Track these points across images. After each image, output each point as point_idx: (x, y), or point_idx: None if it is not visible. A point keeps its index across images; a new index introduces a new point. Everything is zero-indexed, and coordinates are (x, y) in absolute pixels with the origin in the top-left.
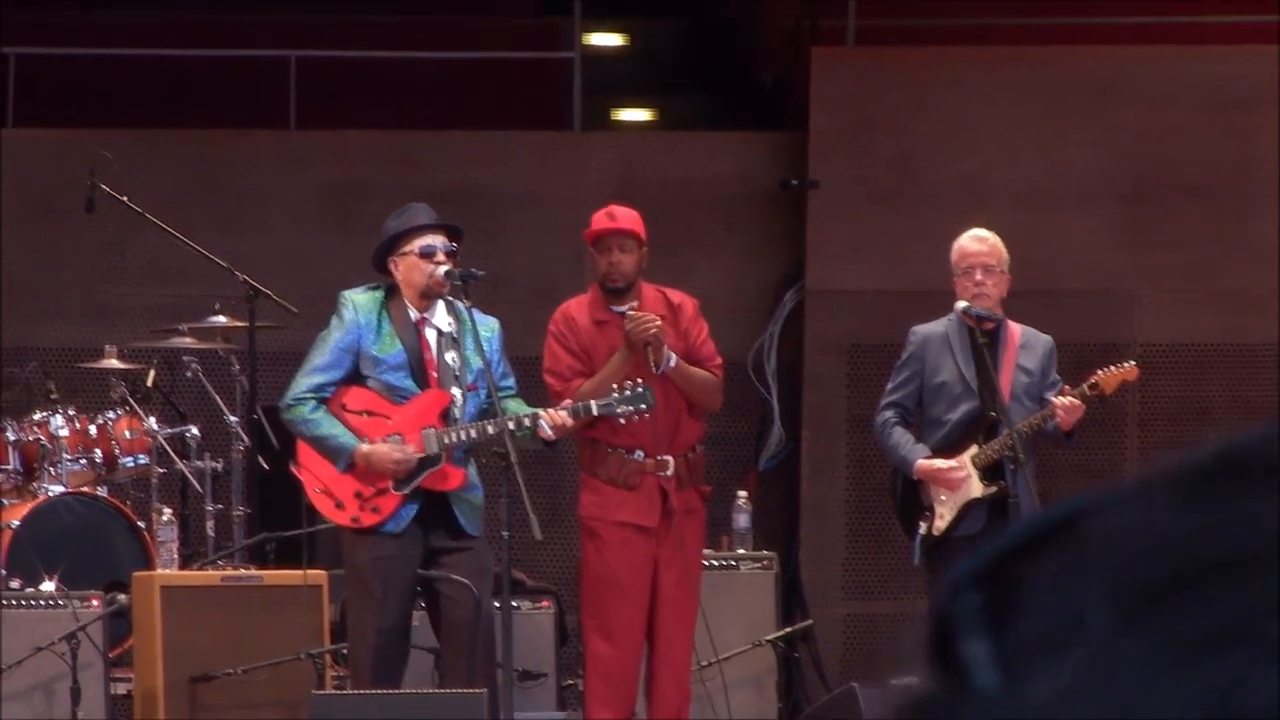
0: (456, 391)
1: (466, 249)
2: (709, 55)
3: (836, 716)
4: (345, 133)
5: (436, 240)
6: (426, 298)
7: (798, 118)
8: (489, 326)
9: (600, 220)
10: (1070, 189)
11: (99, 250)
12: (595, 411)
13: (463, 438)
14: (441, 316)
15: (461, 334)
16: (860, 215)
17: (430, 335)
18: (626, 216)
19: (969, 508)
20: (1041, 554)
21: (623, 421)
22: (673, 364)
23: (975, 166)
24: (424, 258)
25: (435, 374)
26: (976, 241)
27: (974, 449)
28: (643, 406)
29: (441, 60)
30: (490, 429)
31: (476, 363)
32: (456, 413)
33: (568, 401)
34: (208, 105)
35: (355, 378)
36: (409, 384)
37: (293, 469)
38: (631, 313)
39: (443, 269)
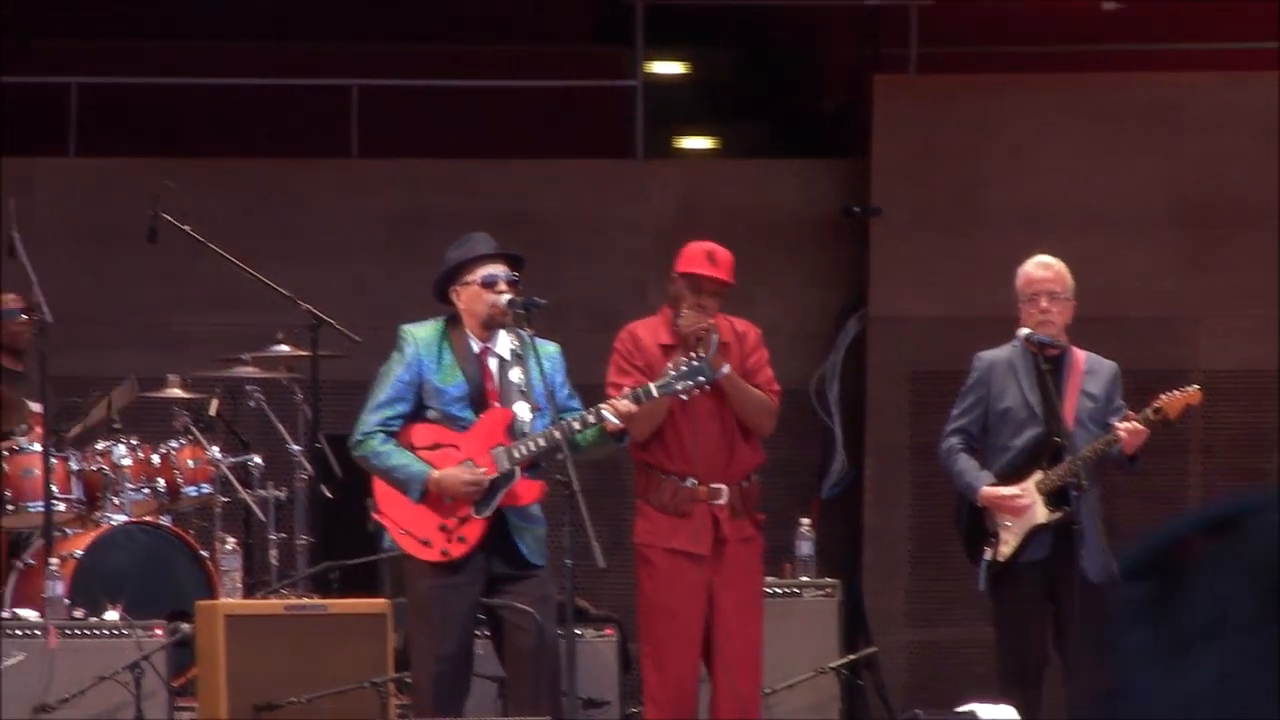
0: (524, 407)
1: (528, 277)
2: (771, 83)
3: None
4: (407, 161)
5: (498, 270)
6: (488, 327)
7: (860, 145)
8: (550, 352)
9: (702, 263)
10: (1131, 215)
11: (162, 279)
12: (655, 393)
13: (532, 448)
14: (504, 344)
15: (525, 357)
16: (922, 242)
17: (492, 364)
18: (727, 266)
19: (1034, 534)
20: (1206, 546)
21: (684, 398)
22: (725, 371)
23: (1036, 193)
24: (486, 287)
25: (496, 402)
26: (1042, 268)
27: (1038, 475)
28: (700, 379)
29: (503, 88)
30: (557, 434)
31: (541, 385)
32: (524, 429)
33: (627, 389)
34: (270, 134)
35: (417, 412)
36: (469, 415)
37: (374, 516)
38: (687, 309)
39: (505, 298)
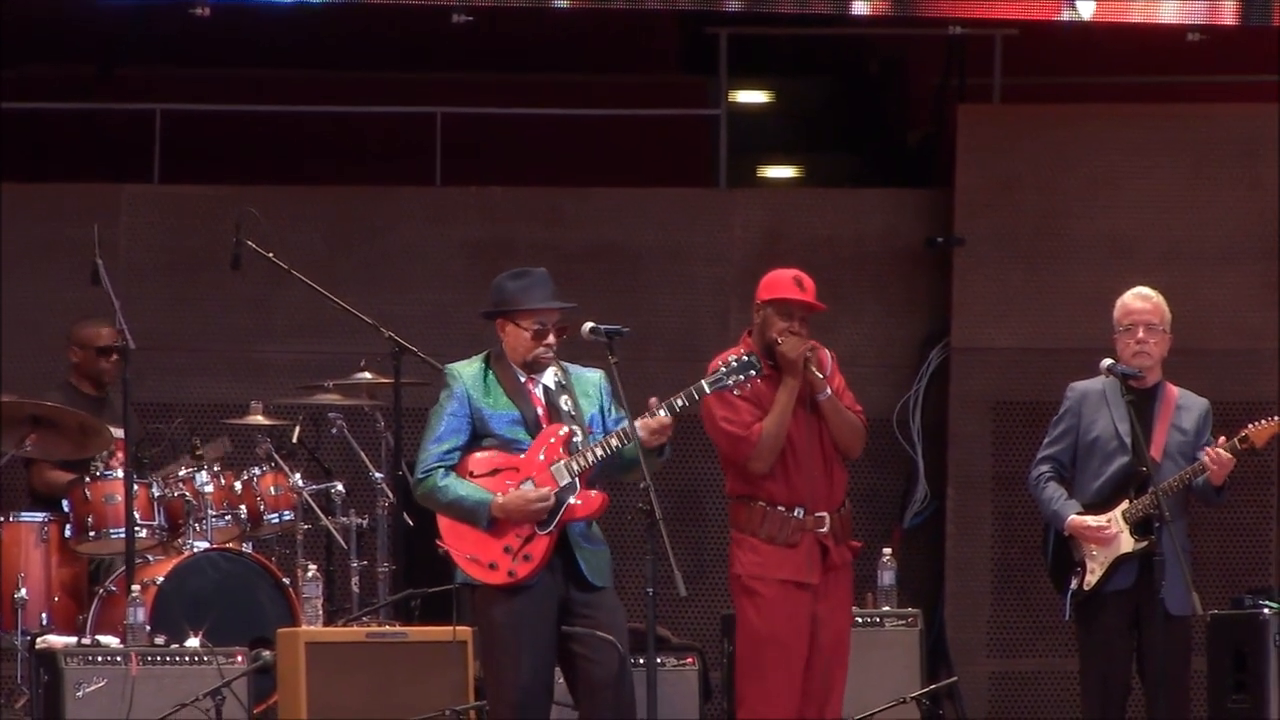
0: (576, 428)
1: (611, 306)
2: (855, 113)
3: None
4: (490, 189)
5: (549, 320)
6: (531, 369)
7: (943, 175)
8: (594, 379)
9: (791, 288)
10: (1215, 247)
11: (245, 306)
12: (708, 389)
13: (592, 459)
14: (548, 375)
15: (570, 386)
16: (1005, 272)
17: (539, 391)
18: (813, 290)
19: (1119, 563)
20: None
21: (736, 392)
22: (829, 394)
23: (1120, 224)
24: (536, 339)
25: (546, 423)
26: (1141, 300)
27: (1125, 505)
28: (752, 372)
29: (587, 117)
30: (614, 441)
31: (590, 408)
32: (580, 447)
33: (653, 400)
34: (353, 161)
35: (473, 443)
36: (524, 437)
37: (439, 545)
38: (783, 335)
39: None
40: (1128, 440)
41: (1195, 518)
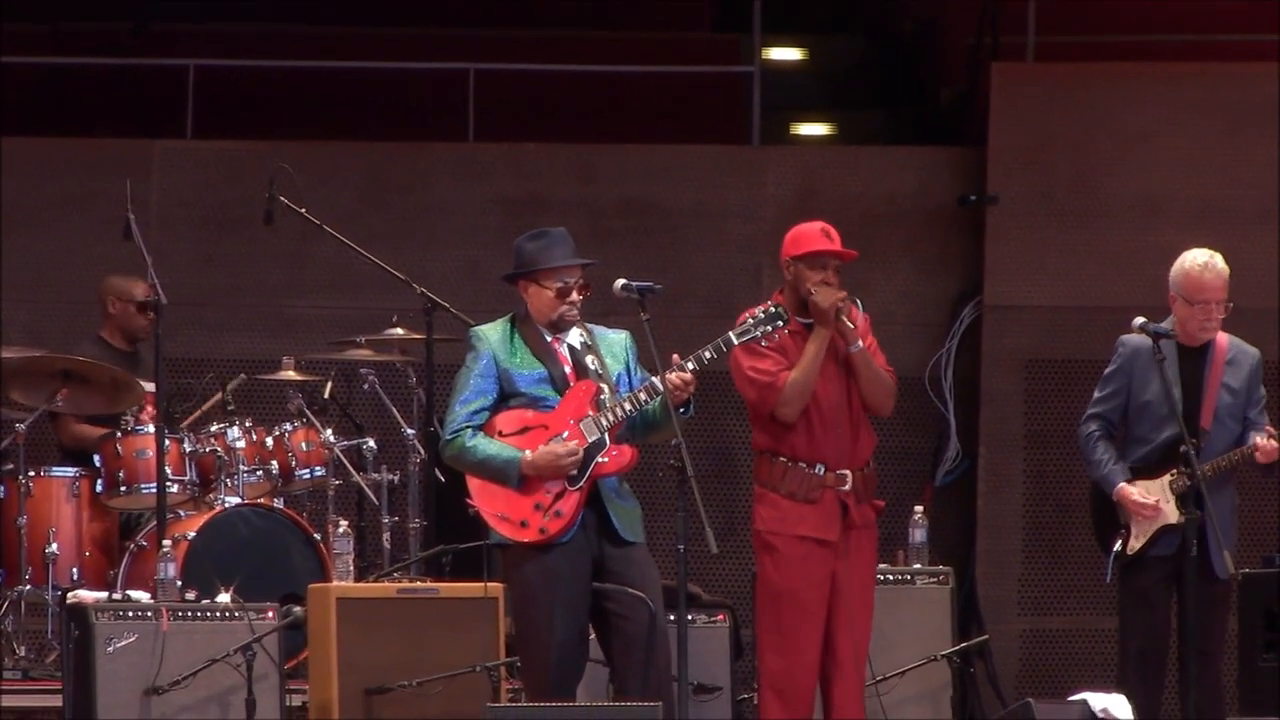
0: (604, 385)
1: (643, 262)
2: (888, 71)
3: None
4: (523, 145)
5: (571, 277)
6: (556, 328)
7: (977, 133)
8: (620, 339)
9: (820, 240)
10: (1248, 205)
11: (277, 262)
12: (735, 341)
13: (620, 414)
14: (574, 335)
15: (595, 345)
16: (1038, 231)
17: (564, 350)
18: (839, 239)
19: (1163, 531)
20: None
21: (764, 344)
22: (860, 347)
23: (1154, 182)
24: (559, 298)
25: (574, 380)
26: (1213, 275)
27: (1172, 473)
28: (779, 323)
29: (620, 74)
30: (643, 395)
31: (616, 367)
32: (608, 401)
33: (676, 357)
34: (386, 118)
35: (501, 403)
36: (552, 395)
37: (469, 505)
38: (817, 287)
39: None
40: (1178, 407)
41: (1245, 483)
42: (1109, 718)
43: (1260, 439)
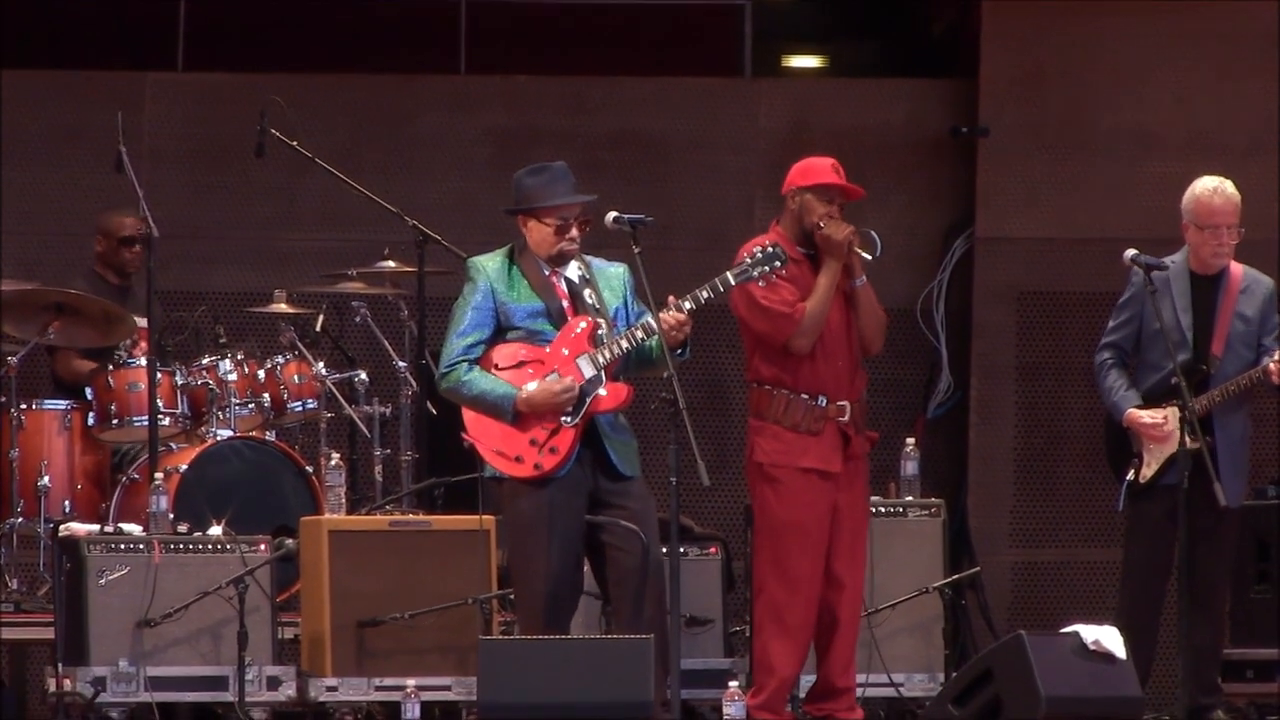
0: (601, 321)
1: (635, 195)
2: (880, 2)
3: (1004, 663)
4: (515, 78)
5: (571, 214)
6: (556, 262)
7: (969, 65)
8: (618, 273)
9: (831, 174)
10: (1241, 138)
11: (269, 195)
12: (733, 281)
13: (617, 351)
14: (572, 269)
15: (593, 279)
16: (1030, 163)
17: (563, 284)
18: (845, 178)
19: (1173, 459)
20: None
21: (761, 284)
22: (863, 281)
23: (1146, 115)
24: (559, 234)
25: (571, 315)
26: (1223, 199)
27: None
28: (777, 263)
29: (612, 5)
30: (640, 333)
31: (614, 301)
32: (605, 338)
33: (672, 298)
34: (377, 50)
35: (497, 336)
36: (549, 329)
37: (465, 438)
38: (824, 220)
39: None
40: (1190, 334)
41: (1257, 411)
42: (1101, 650)
43: (1273, 362)
